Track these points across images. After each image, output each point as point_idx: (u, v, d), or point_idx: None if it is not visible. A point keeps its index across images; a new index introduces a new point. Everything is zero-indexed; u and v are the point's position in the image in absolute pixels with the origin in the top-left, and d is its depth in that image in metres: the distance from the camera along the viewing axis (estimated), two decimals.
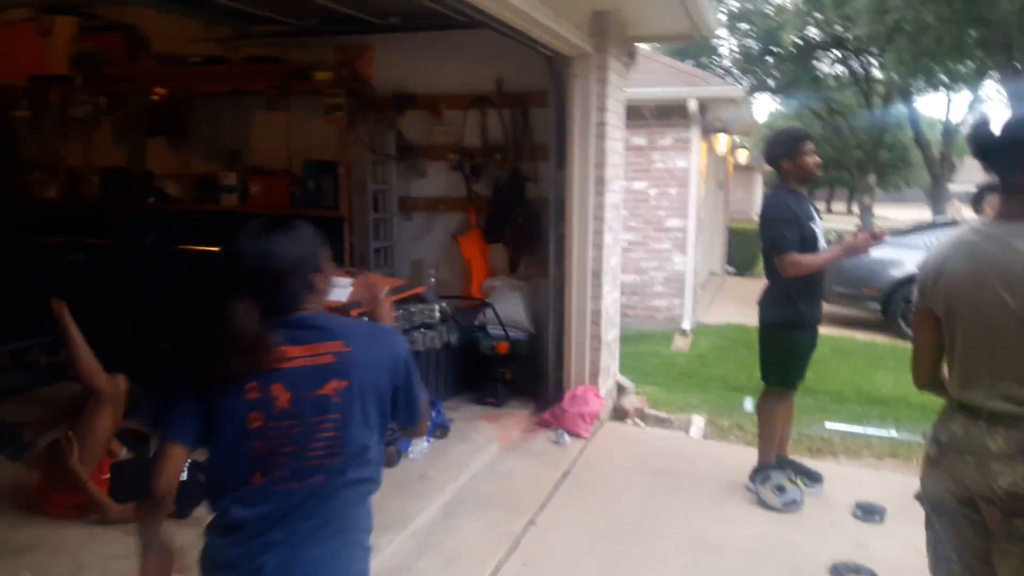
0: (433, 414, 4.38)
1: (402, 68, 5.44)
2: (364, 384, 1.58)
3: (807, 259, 3.66)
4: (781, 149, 3.85)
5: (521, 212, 5.26)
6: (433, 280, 5.28)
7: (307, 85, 5.37)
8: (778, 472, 3.90)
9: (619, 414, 5.29)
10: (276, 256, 1.61)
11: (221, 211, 5.58)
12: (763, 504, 3.83)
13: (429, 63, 5.39)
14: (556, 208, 5.01)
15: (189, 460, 3.48)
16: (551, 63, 4.86)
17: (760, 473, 3.93)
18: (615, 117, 5.17)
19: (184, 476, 3.41)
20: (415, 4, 4.28)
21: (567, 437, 4.59)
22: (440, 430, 4.38)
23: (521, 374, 5.10)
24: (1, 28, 5.89)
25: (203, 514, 3.30)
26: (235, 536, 1.57)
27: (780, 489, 3.83)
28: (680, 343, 8.54)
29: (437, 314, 4.61)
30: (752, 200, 20.81)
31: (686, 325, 9.26)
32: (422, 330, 4.58)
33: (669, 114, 9.13)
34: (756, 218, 18.83)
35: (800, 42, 18.40)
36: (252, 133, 5.74)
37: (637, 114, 8.23)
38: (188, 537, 3.18)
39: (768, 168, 4.29)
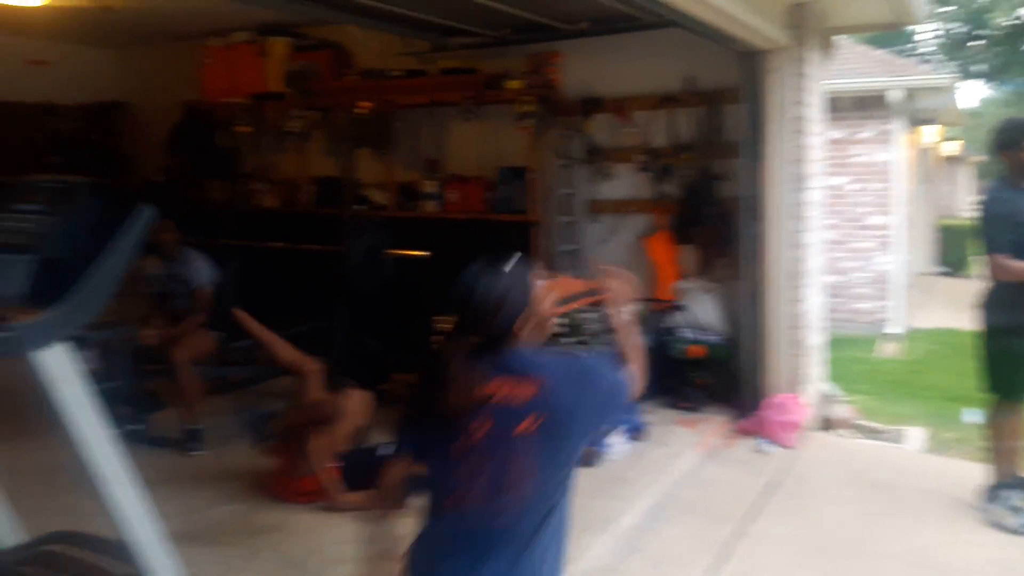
0: (629, 416, 4.39)
1: (589, 72, 5.48)
2: (559, 421, 1.60)
3: (1017, 265, 3.31)
4: (1004, 139, 3.52)
5: (712, 212, 5.14)
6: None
7: (499, 94, 5.53)
8: (1014, 491, 3.57)
9: (825, 424, 5.04)
10: (483, 294, 1.66)
11: (421, 217, 5.87)
12: (997, 525, 3.53)
13: (616, 66, 5.40)
14: (750, 207, 4.86)
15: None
16: (744, 58, 4.73)
17: (994, 491, 3.61)
18: (814, 111, 4.94)
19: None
20: (605, 8, 4.33)
21: (770, 446, 4.44)
22: (637, 432, 4.37)
23: (715, 379, 4.98)
24: (226, 51, 6.52)
25: (416, 504, 3.51)
26: (435, 551, 1.67)
27: (1016, 510, 3.51)
28: (887, 348, 8.02)
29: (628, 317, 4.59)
30: (960, 195, 19.18)
31: (893, 329, 8.68)
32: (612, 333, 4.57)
33: (868, 105, 8.61)
34: (963, 214, 17.33)
35: (1012, 23, 16.78)
36: (448, 142, 5.98)
37: (833, 106, 7.81)
38: (406, 525, 3.37)
39: (979, 159, 3.93)
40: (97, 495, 2.04)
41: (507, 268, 1.71)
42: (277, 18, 6.06)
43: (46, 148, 6.94)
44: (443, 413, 1.61)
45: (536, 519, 1.61)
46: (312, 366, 3.81)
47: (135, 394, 4.35)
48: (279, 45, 6.31)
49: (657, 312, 5.18)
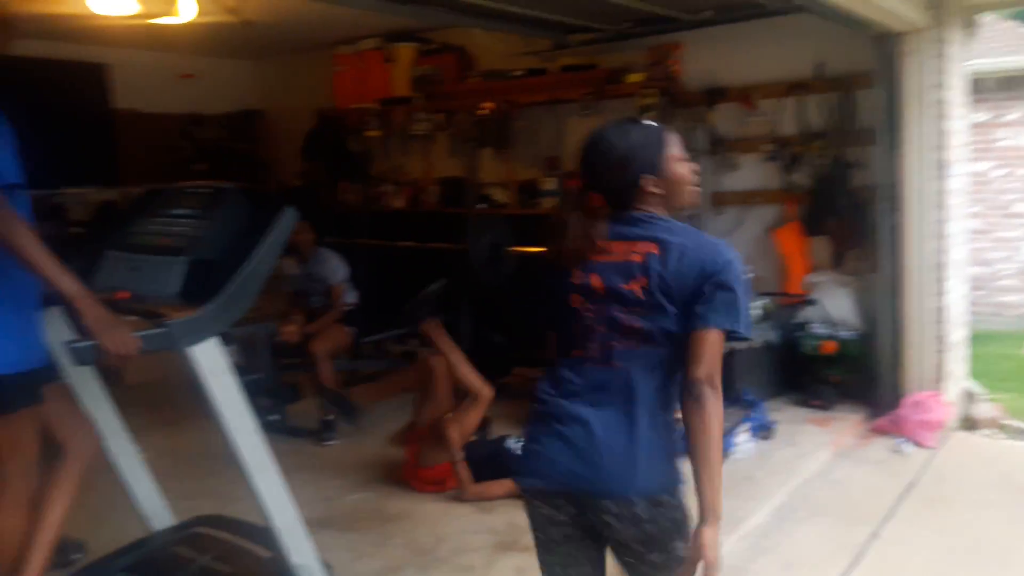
0: (755, 415, 4.28)
1: (712, 62, 5.36)
2: (665, 286, 1.61)
3: None
4: None
5: (845, 202, 4.93)
6: (750, 276, 5.15)
7: (619, 88, 5.51)
8: None
9: (969, 423, 4.74)
10: (605, 148, 1.68)
11: (541, 214, 5.92)
12: None
13: (741, 54, 5.26)
14: (887, 196, 4.62)
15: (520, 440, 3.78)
16: (878, 42, 4.50)
17: None
18: (956, 94, 4.64)
19: (520, 452, 3.70)
20: None
21: (908, 446, 4.22)
22: (764, 431, 4.25)
23: (849, 376, 4.78)
24: (355, 58, 6.79)
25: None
26: (559, 390, 1.73)
27: None
28: None
29: (758, 311, 4.48)
30: None
31: None
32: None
33: (1014, 85, 7.99)
34: None
35: None
36: (568, 139, 6.01)
37: (976, 88, 7.29)
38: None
39: None
40: (241, 481, 2.17)
41: (638, 125, 1.71)
42: (403, 24, 6.25)
43: (192, 156, 7.47)
44: (562, 264, 1.69)
45: (643, 377, 1.65)
46: (488, 391, 3.83)
47: (274, 386, 4.62)
48: (405, 50, 6.52)
49: (787, 307, 5.02)
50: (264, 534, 2.30)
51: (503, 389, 4.08)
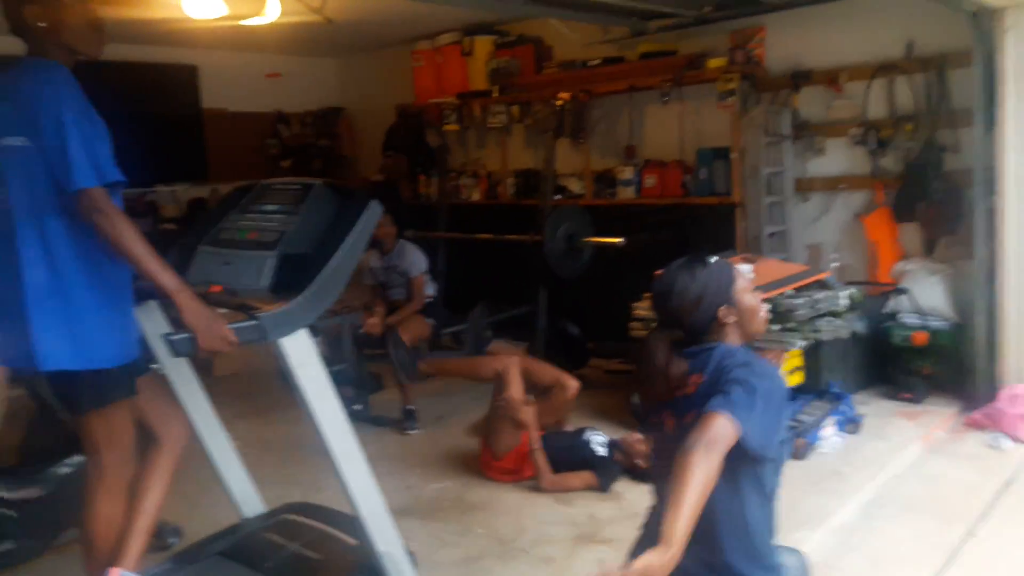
0: (842, 408, 4.16)
1: (797, 44, 5.21)
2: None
3: None
4: None
5: (938, 186, 4.73)
6: (836, 265, 4.99)
7: (699, 74, 5.40)
8: None
9: None
10: (681, 289, 1.76)
11: (617, 204, 5.88)
12: None
13: (827, 35, 5.10)
14: (983, 179, 4.41)
15: (607, 438, 3.78)
16: (975, 18, 4.29)
17: None
18: None
19: (604, 453, 3.70)
20: None
21: (1006, 441, 4.02)
22: (851, 424, 4.13)
23: (941, 368, 4.59)
24: (433, 53, 6.87)
25: (621, 488, 3.54)
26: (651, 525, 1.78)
27: None
28: None
29: (845, 301, 4.33)
30: None
31: None
32: (827, 318, 4.34)
33: None
34: None
35: None
36: (646, 126, 5.94)
37: None
38: (608, 511, 3.44)
39: None
40: (326, 469, 2.22)
41: (705, 263, 1.78)
42: (480, 18, 6.30)
43: (278, 153, 7.70)
44: (648, 401, 1.77)
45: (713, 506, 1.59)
46: (572, 381, 3.98)
47: (358, 376, 4.74)
48: (482, 44, 6.55)
49: (876, 296, 4.85)
50: (350, 522, 2.36)
51: (580, 381, 4.08)
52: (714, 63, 5.35)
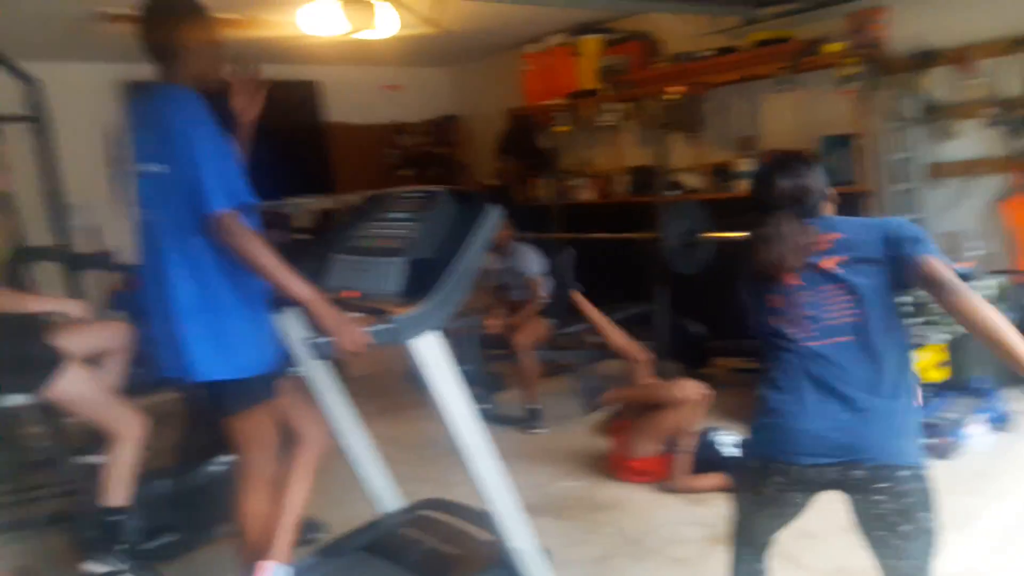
0: (990, 404, 3.93)
1: (922, 23, 4.94)
2: (859, 257, 1.88)
3: None
4: None
5: None
6: (978, 253, 4.70)
7: (817, 60, 5.21)
8: None
9: None
10: (810, 175, 2.05)
11: (734, 198, 5.74)
12: None
13: (955, 11, 4.81)
14: None
15: (739, 438, 3.70)
16: None
17: None
18: None
19: (738, 453, 3.63)
20: None
21: None
22: (1000, 423, 3.88)
23: None
24: (543, 55, 6.92)
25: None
26: (781, 389, 1.91)
27: None
28: None
29: (990, 291, 4.08)
30: None
31: None
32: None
33: None
34: None
35: None
36: (762, 117, 5.78)
37: None
38: (820, 522, 3.33)
39: None
40: (458, 467, 2.29)
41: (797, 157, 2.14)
42: (589, 17, 6.29)
43: (398, 163, 7.95)
44: (772, 267, 1.94)
45: (865, 351, 1.84)
46: (641, 354, 3.96)
47: (482, 377, 4.84)
48: (591, 43, 6.54)
49: (1018, 286, 4.54)
50: (484, 518, 2.42)
51: (704, 379, 4.01)
52: (832, 48, 5.14)
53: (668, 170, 6.21)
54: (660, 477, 3.64)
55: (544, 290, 4.95)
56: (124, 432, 2.95)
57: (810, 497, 1.94)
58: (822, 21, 5.30)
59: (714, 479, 3.50)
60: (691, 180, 6.13)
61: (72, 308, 3.11)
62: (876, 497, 1.79)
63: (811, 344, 1.87)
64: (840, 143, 5.26)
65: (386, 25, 5.03)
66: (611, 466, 3.83)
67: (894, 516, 1.79)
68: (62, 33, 4.97)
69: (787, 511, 1.98)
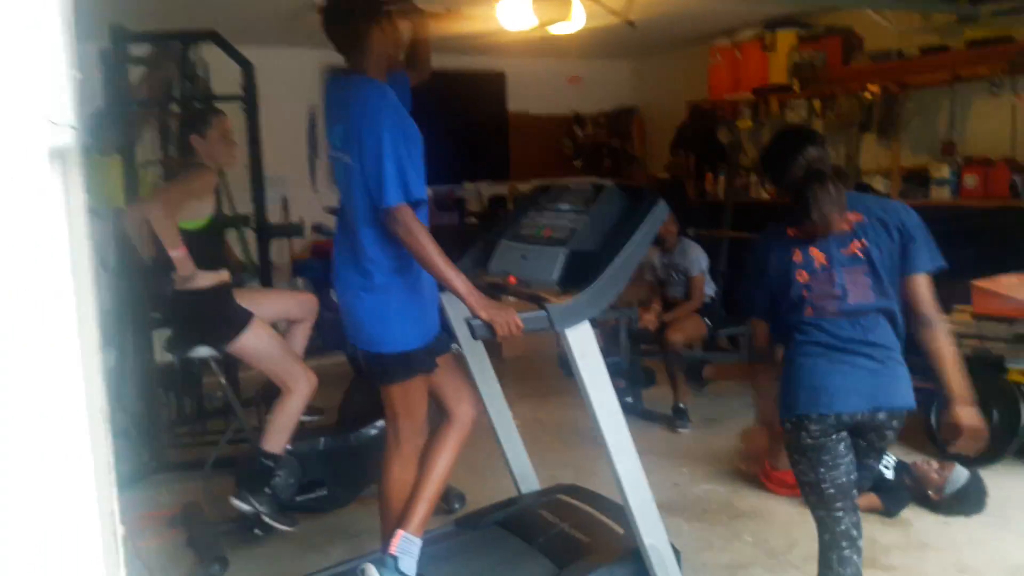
0: None
1: None
2: (876, 241, 2.12)
3: None
4: None
5: None
6: None
7: None
8: None
9: None
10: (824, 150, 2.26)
11: (930, 205, 5.32)
12: None
13: None
14: None
15: (896, 460, 3.49)
16: None
17: None
18: None
19: (891, 476, 3.43)
20: None
21: None
22: None
23: None
24: (732, 49, 6.71)
25: (909, 515, 3.27)
26: (806, 359, 2.17)
27: None
28: None
29: None
30: None
31: None
32: None
33: None
34: None
35: None
36: (969, 121, 5.33)
37: None
38: (892, 536, 3.18)
39: None
40: (598, 456, 2.32)
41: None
42: (784, 11, 6.04)
43: (571, 153, 8.02)
44: (819, 225, 2.10)
45: (880, 318, 2.13)
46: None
47: (631, 370, 4.82)
48: (785, 37, 6.27)
49: None
50: (618, 510, 2.44)
51: None
52: None
53: (857, 171, 5.87)
54: None
55: (705, 289, 4.85)
56: (294, 387, 3.21)
57: (843, 440, 2.17)
58: None
59: (867, 499, 3.31)
60: (880, 184, 5.75)
61: (295, 310, 3.46)
62: (887, 432, 2.20)
63: (835, 317, 2.13)
64: None
65: (575, 18, 5.08)
66: (759, 474, 3.71)
67: (888, 442, 2.25)
68: (276, 19, 5.39)
69: (829, 459, 2.17)
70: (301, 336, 3.50)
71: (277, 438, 3.22)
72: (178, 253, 3.03)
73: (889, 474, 3.42)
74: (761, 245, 2.33)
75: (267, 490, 3.22)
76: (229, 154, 3.37)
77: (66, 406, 0.80)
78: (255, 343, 3.18)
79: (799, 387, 2.17)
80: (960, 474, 3.37)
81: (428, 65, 2.66)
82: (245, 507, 3.17)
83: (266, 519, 3.18)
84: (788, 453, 2.26)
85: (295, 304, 3.54)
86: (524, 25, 5.11)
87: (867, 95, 5.55)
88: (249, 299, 3.29)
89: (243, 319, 3.16)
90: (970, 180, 5.20)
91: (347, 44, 2.35)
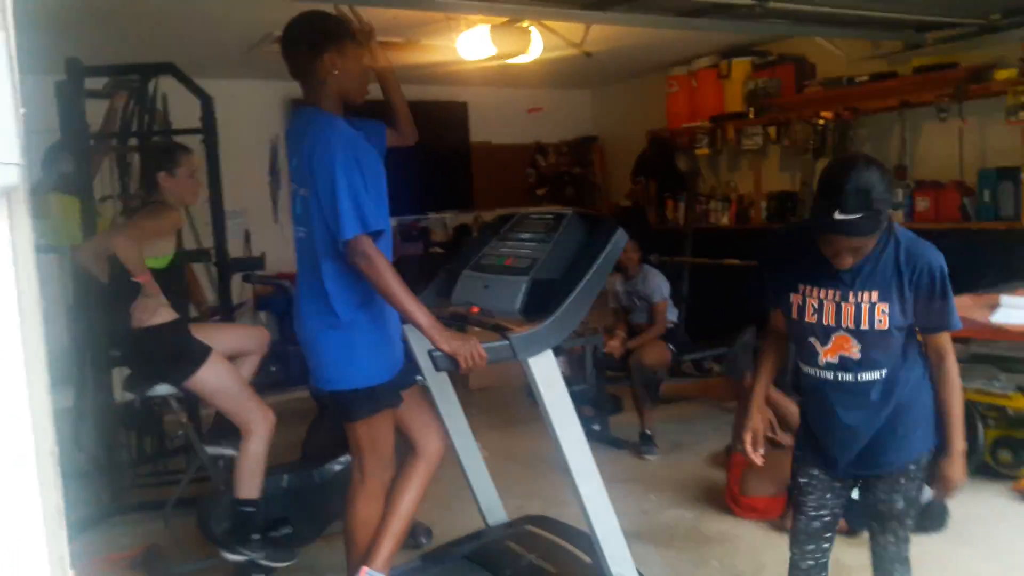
0: None
1: None
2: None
3: None
4: None
5: None
6: None
7: (985, 87, 4.91)
8: None
9: None
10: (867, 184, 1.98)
11: None
12: None
13: None
14: None
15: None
16: None
17: None
18: None
19: (856, 496, 3.46)
20: None
21: None
22: None
23: None
24: (688, 78, 6.84)
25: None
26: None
27: None
28: None
29: None
30: None
31: None
32: None
33: None
34: None
35: None
36: (919, 146, 5.49)
37: None
38: (856, 556, 3.21)
39: None
40: (566, 485, 2.31)
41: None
42: (738, 40, 6.18)
43: (535, 182, 8.10)
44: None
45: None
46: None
47: (597, 397, 4.83)
48: (740, 66, 6.42)
49: None
50: (586, 539, 2.43)
51: None
52: (1003, 74, 4.83)
53: (812, 197, 5.98)
54: (774, 516, 3.52)
55: (668, 315, 4.89)
56: (253, 428, 3.15)
57: (838, 486, 2.28)
58: (991, 47, 4.98)
59: None
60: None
61: (247, 342, 3.43)
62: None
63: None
64: (1004, 176, 4.93)
65: (532, 49, 5.15)
66: (726, 499, 3.73)
67: None
68: (237, 51, 5.39)
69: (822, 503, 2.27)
70: (249, 368, 3.45)
71: (249, 484, 3.14)
72: (144, 278, 3.01)
73: (854, 494, 3.46)
74: None
75: (254, 536, 3.13)
76: (195, 193, 3.36)
77: (13, 449, 0.78)
78: (214, 378, 3.13)
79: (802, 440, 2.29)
80: (922, 493, 3.41)
81: (411, 129, 2.64)
82: (238, 559, 3.10)
83: (263, 563, 3.12)
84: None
85: (246, 337, 3.51)
86: (483, 55, 5.17)
87: (820, 121, 5.68)
88: (204, 333, 3.25)
89: (201, 353, 3.11)
90: (922, 203, 5.34)
91: (298, 74, 2.33)
